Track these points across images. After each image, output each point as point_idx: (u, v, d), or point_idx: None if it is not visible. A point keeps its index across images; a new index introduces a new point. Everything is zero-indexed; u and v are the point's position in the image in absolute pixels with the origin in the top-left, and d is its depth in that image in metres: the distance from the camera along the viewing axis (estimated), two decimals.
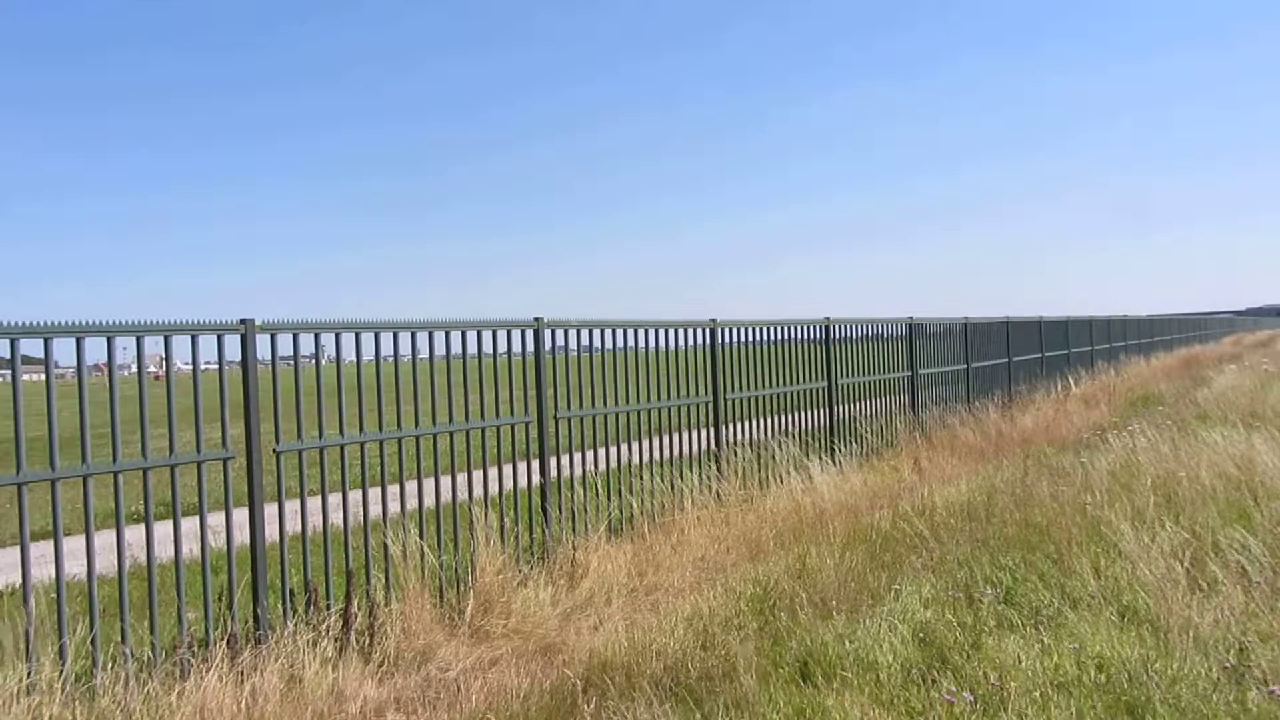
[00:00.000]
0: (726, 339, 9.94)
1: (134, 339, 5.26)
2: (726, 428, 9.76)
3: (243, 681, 4.93)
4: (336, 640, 5.60)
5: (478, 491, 6.96)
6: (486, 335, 7.26)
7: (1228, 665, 4.58)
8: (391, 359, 6.62)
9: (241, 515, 5.62)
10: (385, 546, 6.25)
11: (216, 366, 5.59)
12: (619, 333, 8.50)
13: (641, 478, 8.44)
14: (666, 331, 9.04)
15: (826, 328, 11.88)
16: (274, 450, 5.79)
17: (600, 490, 7.97)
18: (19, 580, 4.71)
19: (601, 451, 8.06)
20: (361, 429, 6.29)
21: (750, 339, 10.37)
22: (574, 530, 7.58)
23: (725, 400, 9.80)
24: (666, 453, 8.82)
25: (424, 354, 6.71)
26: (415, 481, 6.56)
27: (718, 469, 9.32)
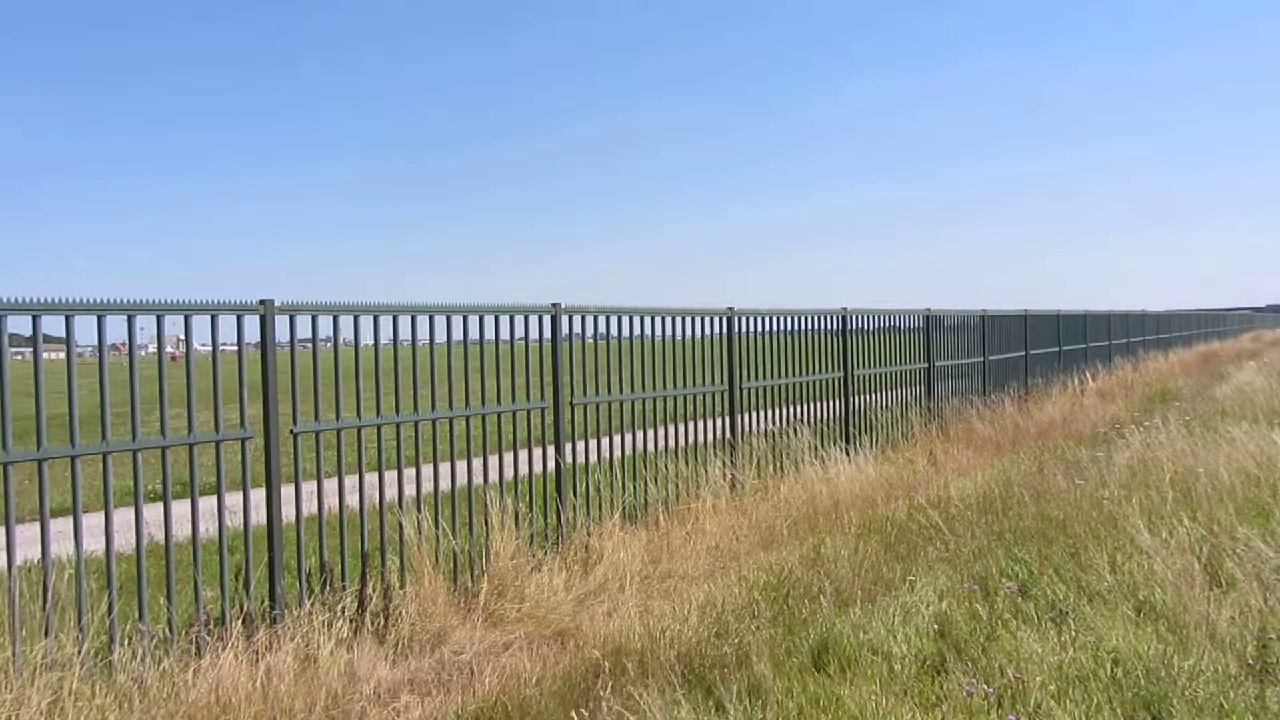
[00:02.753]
0: (743, 328, 9.91)
1: (154, 318, 5.28)
2: (742, 416, 9.75)
3: (258, 660, 4.95)
4: (351, 621, 5.62)
5: (493, 476, 6.97)
6: (504, 320, 7.24)
7: (1249, 662, 4.55)
8: (409, 343, 6.62)
9: (259, 495, 5.64)
10: (400, 529, 6.26)
11: (235, 347, 5.61)
12: (636, 320, 8.49)
13: (657, 465, 8.43)
14: (683, 319, 9.02)
15: (843, 318, 11.84)
16: (291, 431, 5.80)
17: (615, 477, 7.97)
18: (38, 555, 4.75)
19: (617, 438, 8.06)
20: (378, 412, 6.30)
21: (767, 328, 10.34)
22: (588, 516, 7.58)
23: (741, 389, 9.78)
24: (682, 441, 8.81)
25: (441, 338, 6.72)
26: (431, 465, 6.57)
27: (733, 457, 9.30)
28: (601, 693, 4.59)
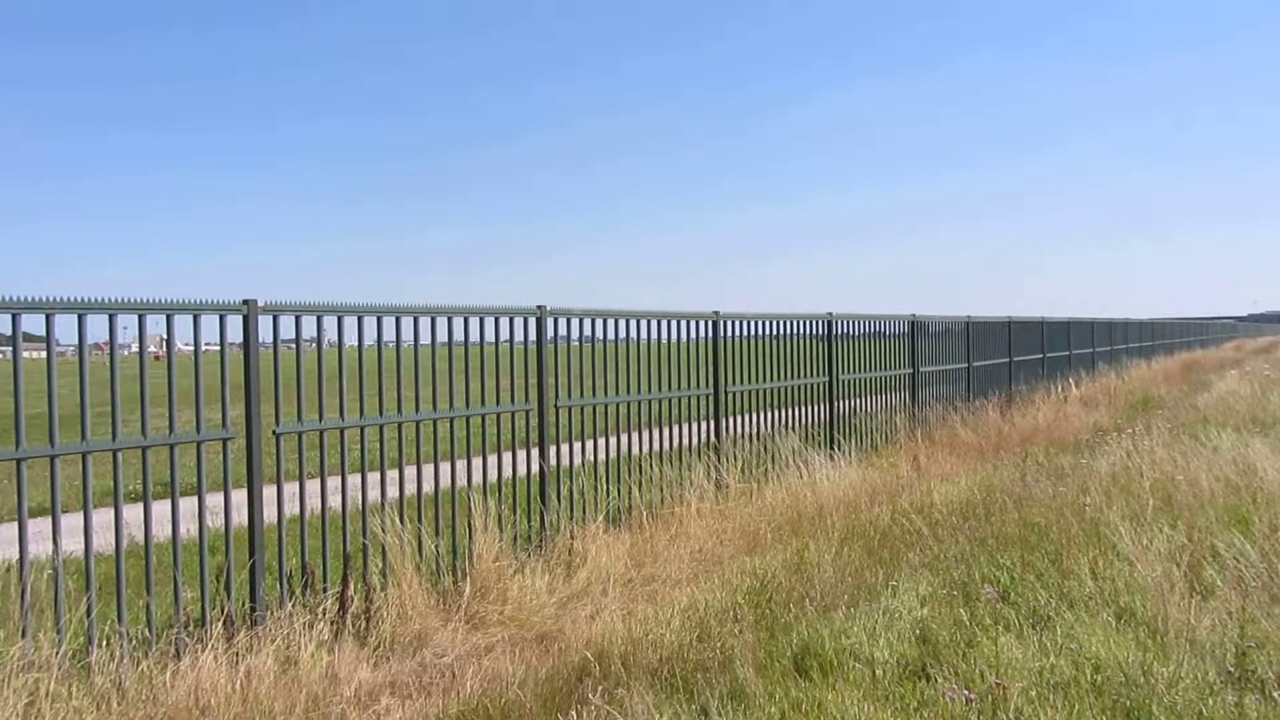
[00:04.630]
0: (728, 331, 9.92)
1: (136, 317, 5.24)
2: (727, 420, 9.75)
3: (238, 662, 4.92)
4: (332, 623, 5.59)
5: (477, 478, 6.94)
6: (489, 322, 7.23)
7: (1229, 669, 4.57)
8: (393, 344, 6.59)
9: (240, 496, 5.61)
10: (383, 531, 6.24)
11: (218, 347, 5.58)
12: (621, 323, 8.48)
13: (641, 468, 8.43)
14: (669, 323, 9.02)
15: (829, 323, 11.86)
16: (274, 432, 5.77)
17: (600, 480, 7.96)
18: (16, 556, 4.70)
19: (601, 441, 8.05)
20: (362, 413, 6.27)
21: (752, 332, 10.35)
22: (572, 519, 7.57)
23: (726, 393, 9.79)
24: (666, 444, 8.80)
25: (426, 339, 6.70)
26: (414, 467, 6.55)
27: (717, 461, 9.30)
28: (585, 696, 4.58)
